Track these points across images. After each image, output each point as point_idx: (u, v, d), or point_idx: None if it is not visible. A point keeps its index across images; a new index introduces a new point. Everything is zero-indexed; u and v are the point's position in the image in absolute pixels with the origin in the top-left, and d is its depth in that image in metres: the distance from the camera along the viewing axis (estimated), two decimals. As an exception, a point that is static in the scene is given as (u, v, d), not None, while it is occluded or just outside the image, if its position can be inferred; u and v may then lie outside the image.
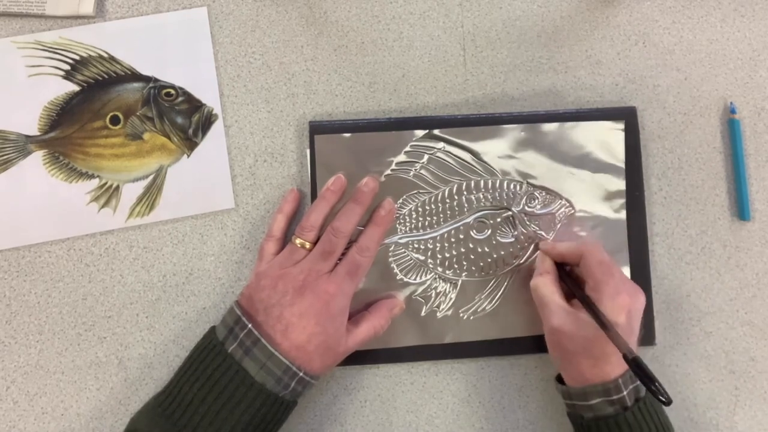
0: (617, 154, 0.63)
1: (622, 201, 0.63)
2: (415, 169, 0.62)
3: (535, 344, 0.61)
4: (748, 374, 0.64)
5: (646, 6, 0.67)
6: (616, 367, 0.53)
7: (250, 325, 0.54)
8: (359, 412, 0.62)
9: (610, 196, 0.63)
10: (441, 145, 0.62)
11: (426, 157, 0.62)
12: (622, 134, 0.63)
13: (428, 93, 0.65)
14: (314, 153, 0.62)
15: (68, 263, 0.62)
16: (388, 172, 0.62)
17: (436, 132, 0.62)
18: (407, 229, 0.62)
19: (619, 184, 0.63)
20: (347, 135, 0.62)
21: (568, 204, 0.62)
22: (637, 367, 0.48)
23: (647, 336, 0.63)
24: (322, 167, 0.61)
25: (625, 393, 0.53)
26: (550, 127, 0.63)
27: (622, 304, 0.54)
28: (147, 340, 0.62)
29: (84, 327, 0.62)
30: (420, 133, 0.62)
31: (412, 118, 0.64)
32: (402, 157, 0.62)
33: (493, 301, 0.62)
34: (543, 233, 0.62)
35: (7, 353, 0.62)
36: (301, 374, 0.54)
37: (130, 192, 0.63)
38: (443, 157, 0.62)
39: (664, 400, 0.47)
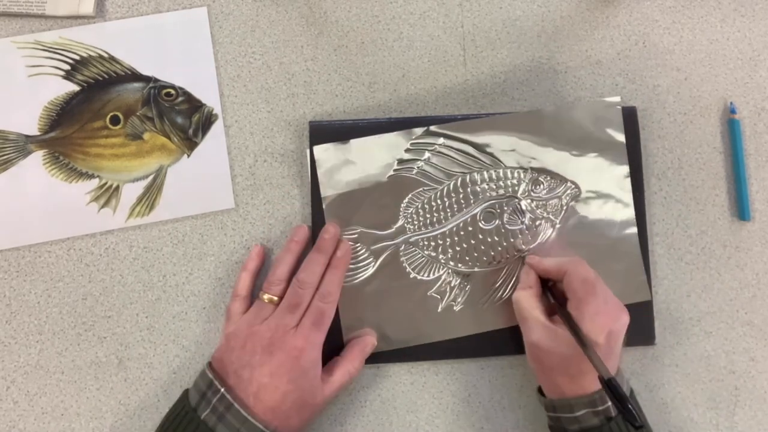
0: (617, 131, 0.63)
1: (627, 177, 0.63)
2: (418, 167, 0.62)
3: None
4: (748, 374, 0.64)
5: (646, 6, 0.67)
6: (594, 382, 0.53)
7: (222, 390, 0.53)
8: (359, 412, 0.62)
9: (614, 174, 0.63)
10: (441, 140, 0.62)
11: (427, 153, 0.62)
12: (620, 110, 0.63)
13: (428, 93, 0.65)
14: (314, 164, 0.61)
15: (68, 263, 0.62)
16: (391, 172, 0.62)
17: (435, 128, 0.62)
18: (415, 227, 0.62)
19: (622, 160, 0.63)
20: (346, 142, 0.62)
21: (574, 186, 0.62)
22: (611, 389, 0.48)
23: (647, 336, 0.63)
24: (325, 177, 0.61)
25: (609, 403, 0.53)
26: (547, 112, 0.63)
27: (602, 325, 0.53)
28: (147, 340, 0.62)
29: (84, 327, 0.62)
30: (418, 130, 0.62)
31: (412, 118, 0.64)
32: (403, 156, 0.62)
33: (509, 288, 0.62)
34: (552, 217, 0.62)
35: (7, 353, 0.62)
36: None
37: (130, 192, 0.63)
38: (444, 151, 0.62)
39: (636, 423, 0.47)
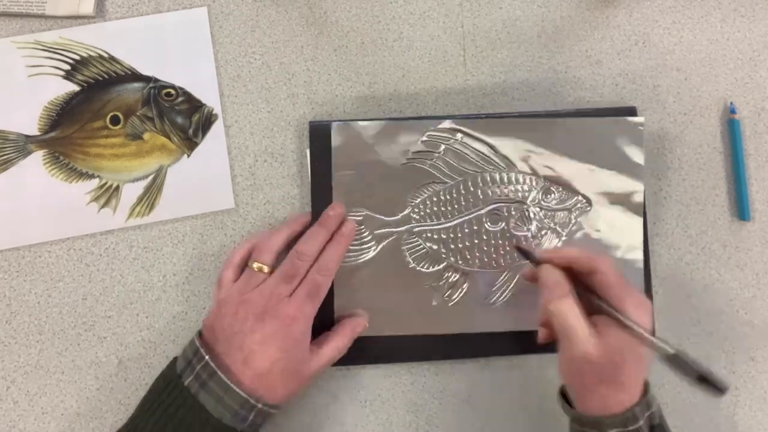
0: (637, 151, 0.62)
1: (639, 200, 0.62)
2: (432, 160, 0.62)
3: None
4: (748, 374, 0.64)
5: (646, 6, 0.67)
6: (633, 395, 0.52)
7: (207, 357, 0.53)
8: (359, 412, 0.62)
9: (628, 195, 0.62)
10: (459, 136, 0.62)
11: (443, 147, 0.62)
12: (642, 131, 0.62)
13: (428, 93, 0.65)
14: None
15: (68, 263, 0.62)
16: (404, 160, 0.61)
17: (454, 124, 0.62)
18: (421, 218, 0.62)
19: (638, 183, 0.62)
20: (363, 123, 0.61)
21: (585, 201, 0.62)
22: (681, 362, 0.48)
23: (647, 336, 0.63)
24: (340, 156, 0.61)
25: (641, 422, 0.51)
26: (571, 122, 0.62)
27: (648, 311, 0.52)
28: (147, 340, 0.62)
29: (84, 327, 0.62)
30: (437, 122, 0.61)
31: (412, 117, 0.64)
32: (419, 146, 0.61)
33: (505, 293, 0.62)
34: (559, 228, 0.62)
35: (7, 353, 0.62)
36: (259, 406, 0.53)
37: (130, 192, 0.63)
38: (460, 148, 0.62)
39: (720, 387, 0.47)
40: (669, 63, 0.66)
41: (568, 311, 0.52)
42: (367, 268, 0.61)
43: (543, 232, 0.62)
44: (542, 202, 0.62)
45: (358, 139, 0.61)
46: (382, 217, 0.62)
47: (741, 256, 0.65)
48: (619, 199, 0.62)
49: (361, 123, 0.61)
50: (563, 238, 0.62)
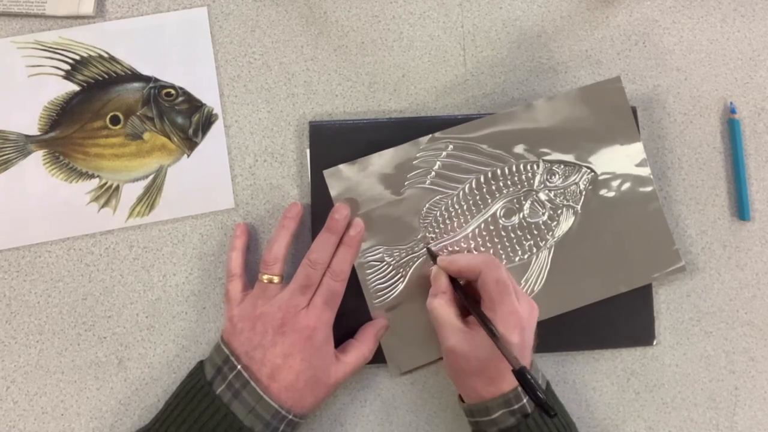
0: (623, 108, 0.62)
1: (641, 154, 0.62)
2: (431, 177, 0.62)
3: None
4: (748, 374, 0.64)
5: (646, 6, 0.67)
6: (510, 383, 0.53)
7: (239, 366, 0.54)
8: (359, 412, 0.62)
9: (628, 152, 0.62)
10: (448, 146, 0.62)
11: (437, 162, 0.62)
12: (622, 87, 0.62)
13: (428, 93, 0.65)
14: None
15: (68, 263, 0.62)
16: (404, 186, 0.61)
17: (439, 134, 0.62)
18: (437, 236, 0.61)
19: (634, 137, 0.62)
20: (354, 163, 0.61)
21: (589, 170, 0.62)
22: (522, 378, 0.48)
23: (647, 336, 0.63)
24: (339, 200, 0.60)
25: (525, 401, 0.53)
26: (548, 102, 0.62)
27: (515, 324, 0.53)
28: (147, 340, 0.62)
29: (84, 327, 0.62)
30: (424, 139, 0.61)
31: (412, 118, 0.64)
32: (413, 168, 0.61)
33: (540, 280, 0.61)
34: (573, 203, 0.62)
35: (7, 353, 0.62)
36: (290, 417, 0.54)
37: (130, 192, 0.63)
38: (453, 157, 0.62)
39: (550, 413, 0.47)
40: (669, 63, 0.66)
41: (439, 308, 0.56)
42: (402, 302, 0.61)
43: (559, 212, 0.62)
44: (548, 184, 0.62)
45: (353, 181, 0.61)
46: (400, 247, 0.61)
47: (741, 256, 0.65)
48: (622, 158, 0.62)
49: (350, 165, 0.61)
50: (579, 212, 0.62)
